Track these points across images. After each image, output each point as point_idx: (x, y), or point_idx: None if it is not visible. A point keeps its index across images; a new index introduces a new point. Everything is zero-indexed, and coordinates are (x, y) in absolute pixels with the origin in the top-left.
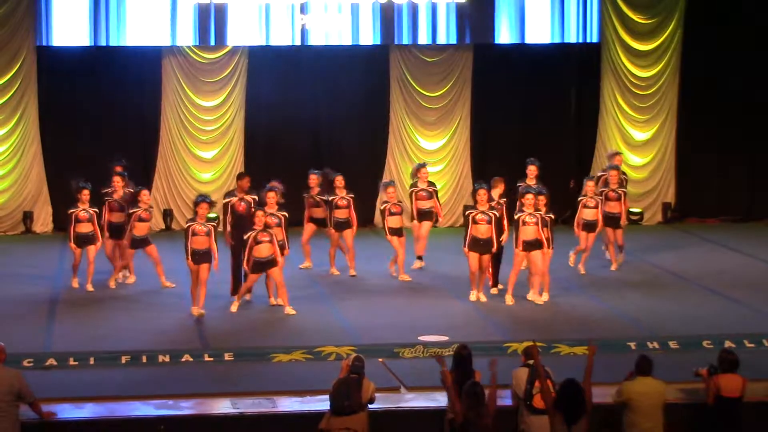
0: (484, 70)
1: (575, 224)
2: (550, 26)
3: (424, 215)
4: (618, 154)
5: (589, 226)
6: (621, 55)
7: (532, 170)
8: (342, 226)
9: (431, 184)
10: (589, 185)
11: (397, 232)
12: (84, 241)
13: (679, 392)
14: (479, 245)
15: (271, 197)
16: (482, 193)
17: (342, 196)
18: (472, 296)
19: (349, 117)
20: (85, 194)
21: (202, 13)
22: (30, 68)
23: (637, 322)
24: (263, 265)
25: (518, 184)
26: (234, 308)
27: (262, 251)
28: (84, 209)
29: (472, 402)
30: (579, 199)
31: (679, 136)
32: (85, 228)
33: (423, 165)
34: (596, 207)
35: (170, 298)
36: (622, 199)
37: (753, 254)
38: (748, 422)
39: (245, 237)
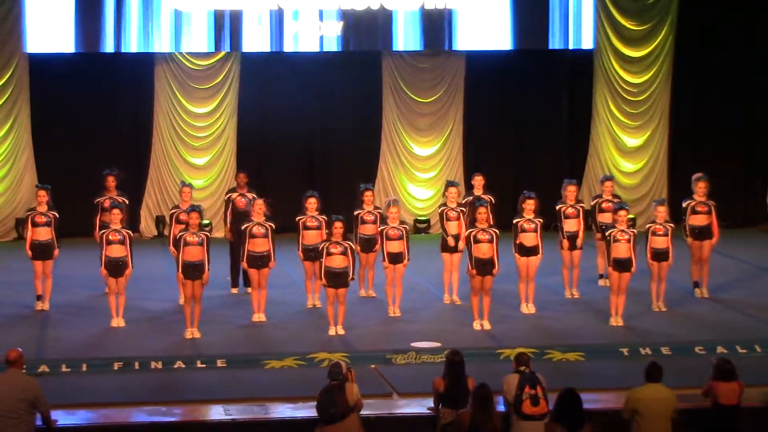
0: (476, 77)
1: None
2: (544, 33)
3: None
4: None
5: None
6: (613, 62)
7: (478, 180)
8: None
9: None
10: (569, 190)
11: (396, 258)
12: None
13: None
14: (525, 250)
15: (259, 205)
16: (531, 203)
17: (369, 210)
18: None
19: (342, 123)
20: (116, 214)
21: (195, 20)
22: (22, 75)
23: (629, 327)
24: (337, 277)
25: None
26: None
27: (335, 262)
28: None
29: (481, 405)
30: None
31: (671, 141)
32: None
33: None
34: (577, 217)
35: (162, 305)
36: (713, 212)
37: (747, 260)
38: (743, 428)
39: (243, 228)
